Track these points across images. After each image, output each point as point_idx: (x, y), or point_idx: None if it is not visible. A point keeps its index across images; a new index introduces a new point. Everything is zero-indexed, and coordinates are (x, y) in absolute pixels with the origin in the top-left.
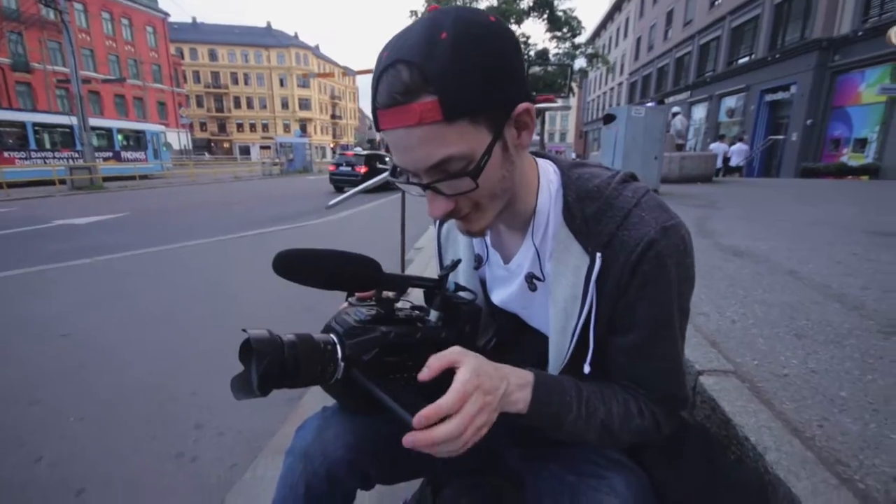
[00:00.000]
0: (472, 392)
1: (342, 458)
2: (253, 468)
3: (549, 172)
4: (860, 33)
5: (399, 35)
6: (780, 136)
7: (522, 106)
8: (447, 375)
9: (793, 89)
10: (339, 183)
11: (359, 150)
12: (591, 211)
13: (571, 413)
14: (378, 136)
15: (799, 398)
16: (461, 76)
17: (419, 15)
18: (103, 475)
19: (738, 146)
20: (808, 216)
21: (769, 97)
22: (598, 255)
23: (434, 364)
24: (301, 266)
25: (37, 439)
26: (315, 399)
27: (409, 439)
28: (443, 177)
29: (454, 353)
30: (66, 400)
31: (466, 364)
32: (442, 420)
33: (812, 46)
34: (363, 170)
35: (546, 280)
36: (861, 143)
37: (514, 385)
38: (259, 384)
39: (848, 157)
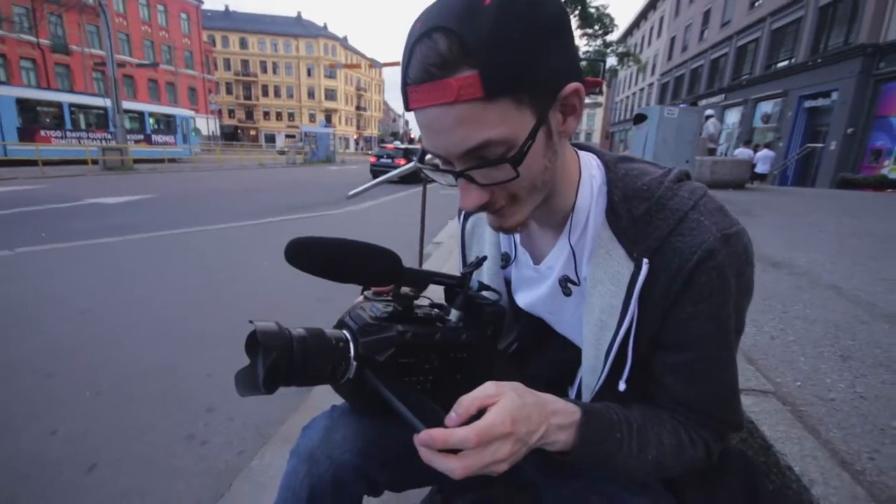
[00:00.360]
0: (499, 439)
1: (349, 463)
2: (261, 455)
3: (591, 167)
4: None
5: (436, 2)
6: (819, 145)
7: (572, 86)
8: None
9: (834, 96)
10: (379, 174)
11: (398, 143)
12: (639, 212)
13: (622, 452)
14: (402, 129)
15: (847, 426)
16: (506, 48)
17: None
18: (115, 452)
19: (764, 153)
20: (849, 228)
21: (808, 103)
22: (645, 261)
23: (466, 407)
24: (315, 255)
25: (52, 412)
26: (327, 391)
27: (420, 450)
28: (479, 163)
29: (490, 394)
30: (83, 375)
31: (503, 403)
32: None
33: (856, 52)
34: (402, 162)
35: (582, 285)
36: None
37: (555, 426)
38: (265, 381)
39: (889, 170)
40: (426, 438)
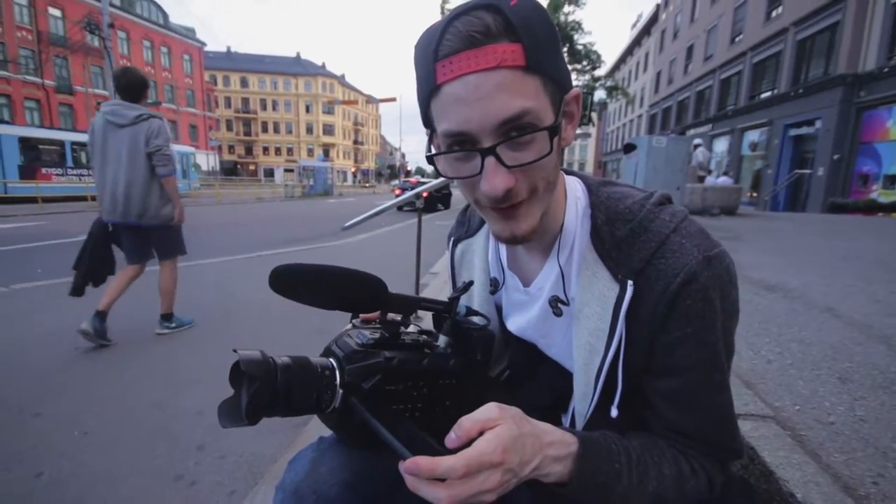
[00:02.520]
0: (490, 467)
1: (336, 498)
2: (252, 496)
3: (576, 189)
4: (886, 70)
5: None
6: (807, 171)
7: (574, 92)
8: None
9: (818, 124)
10: (404, 204)
11: (419, 177)
12: (622, 234)
13: (621, 483)
14: (398, 161)
15: (849, 450)
16: (541, 32)
17: None
18: (102, 495)
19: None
20: (841, 252)
21: (793, 131)
22: (630, 283)
23: (467, 430)
24: (300, 283)
25: (38, 453)
26: (320, 425)
27: (406, 477)
28: (510, 137)
29: (492, 417)
30: (72, 414)
31: (498, 431)
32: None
33: (836, 82)
34: (426, 195)
35: (571, 305)
36: (891, 180)
37: (551, 458)
38: (247, 411)
39: (878, 194)
40: (412, 466)
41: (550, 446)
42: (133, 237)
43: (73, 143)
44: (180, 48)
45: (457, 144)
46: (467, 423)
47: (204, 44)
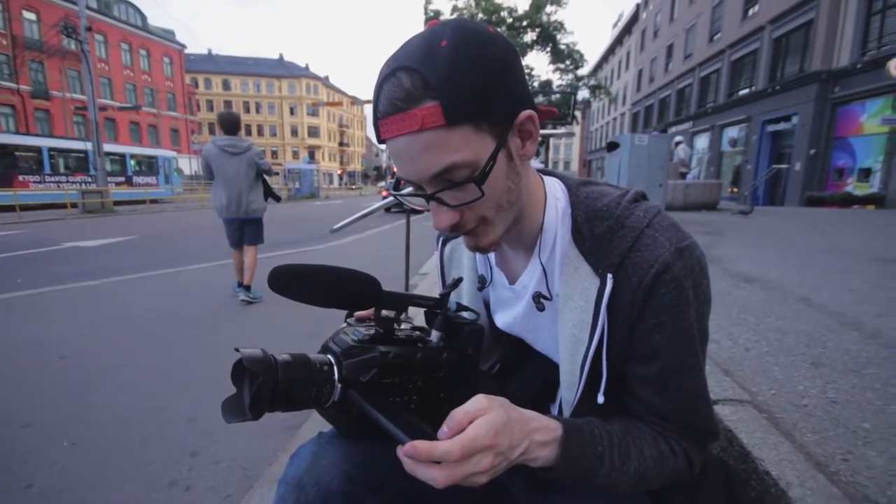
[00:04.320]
0: (480, 451)
1: (337, 489)
2: (247, 500)
3: (555, 190)
4: (859, 66)
5: (400, 47)
6: (784, 166)
7: (525, 113)
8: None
9: (794, 120)
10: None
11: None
12: (600, 231)
13: (604, 465)
14: (384, 163)
15: (820, 430)
16: (462, 81)
17: None
18: (94, 503)
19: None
20: (816, 244)
21: (771, 127)
22: (609, 276)
23: (458, 421)
24: (297, 282)
25: (28, 465)
26: (315, 427)
27: (403, 459)
28: (447, 186)
29: (481, 407)
30: (61, 423)
31: (488, 417)
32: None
33: (811, 78)
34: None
35: (554, 300)
36: (865, 173)
37: (537, 443)
38: (251, 406)
39: (853, 187)
40: (411, 450)
41: (537, 431)
42: (245, 227)
43: (51, 150)
44: (160, 51)
45: (410, 185)
46: (458, 415)
47: (184, 46)
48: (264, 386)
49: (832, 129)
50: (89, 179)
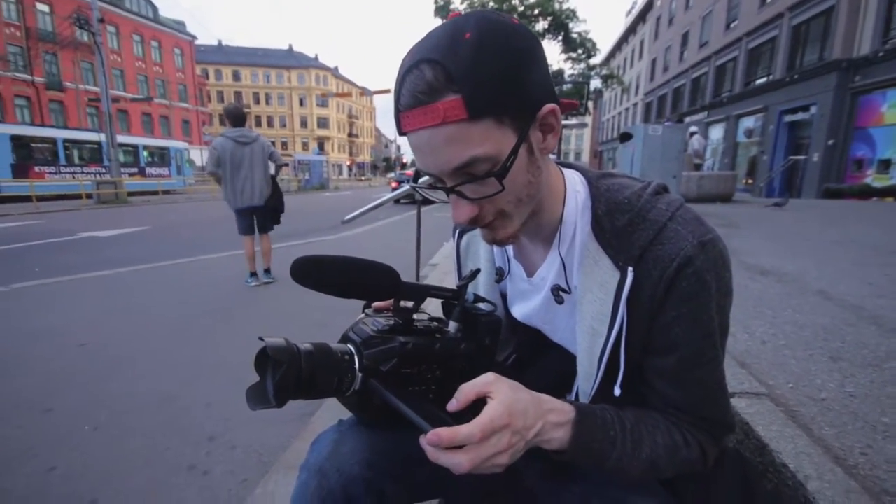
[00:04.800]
0: (500, 430)
1: (358, 475)
2: (264, 484)
3: (575, 182)
4: (881, 54)
5: (422, 38)
6: (802, 157)
7: (548, 107)
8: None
9: (813, 110)
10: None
11: (415, 170)
12: (621, 223)
13: (615, 450)
14: (393, 154)
15: (839, 424)
16: (485, 74)
17: None
18: (115, 487)
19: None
20: (834, 236)
21: (788, 118)
22: (630, 269)
23: (466, 393)
24: (318, 272)
25: (50, 449)
26: (329, 414)
27: (426, 448)
28: (467, 179)
29: (488, 381)
30: (82, 409)
31: (500, 397)
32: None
33: (831, 67)
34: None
35: (573, 293)
36: (885, 165)
37: (552, 424)
38: (275, 394)
39: (872, 179)
40: (434, 438)
41: (550, 412)
42: (259, 214)
43: (66, 141)
44: (171, 42)
45: (429, 178)
46: (466, 388)
47: (195, 37)
48: (288, 374)
49: (852, 119)
50: (103, 170)
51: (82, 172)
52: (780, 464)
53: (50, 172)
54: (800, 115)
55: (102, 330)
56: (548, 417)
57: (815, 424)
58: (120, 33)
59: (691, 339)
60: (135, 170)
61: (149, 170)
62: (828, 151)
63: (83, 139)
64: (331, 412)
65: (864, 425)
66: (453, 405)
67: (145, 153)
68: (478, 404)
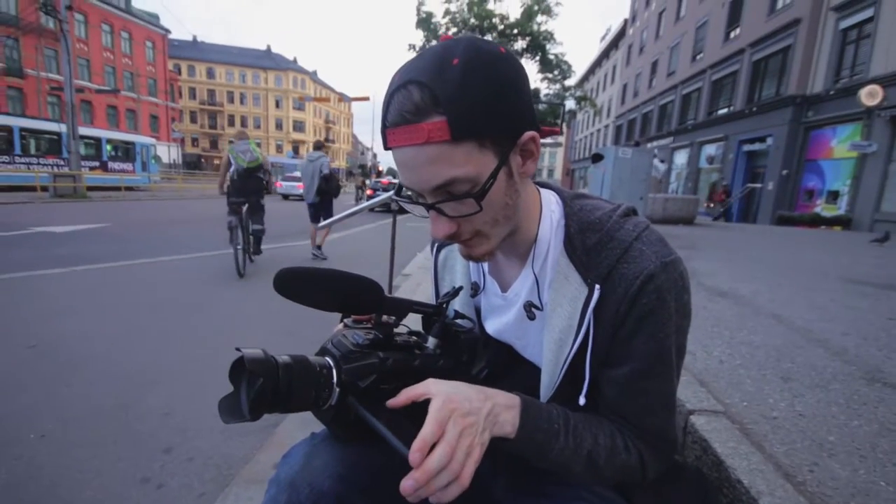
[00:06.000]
0: (448, 417)
1: (329, 490)
2: (223, 498)
3: (551, 202)
4: (832, 92)
5: (412, 59)
6: (758, 185)
7: (529, 134)
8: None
9: (769, 141)
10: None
11: (390, 178)
12: (591, 242)
13: (559, 441)
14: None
15: (788, 441)
16: (470, 100)
17: (417, 49)
18: (62, 499)
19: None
20: (786, 261)
21: (746, 147)
22: (598, 286)
23: (404, 395)
24: (302, 285)
25: None
26: (293, 426)
27: (407, 484)
28: (447, 198)
29: (426, 384)
30: (28, 415)
31: (437, 392)
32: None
33: (787, 102)
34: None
35: (544, 310)
36: (833, 195)
37: (502, 406)
38: (251, 407)
39: (822, 208)
40: (416, 455)
41: (497, 396)
42: (318, 208)
43: (22, 130)
44: (142, 34)
45: (411, 193)
46: (406, 391)
47: (168, 31)
48: (265, 388)
49: (804, 151)
50: (62, 163)
51: (39, 164)
52: (735, 480)
53: (3, 162)
54: (757, 146)
55: (54, 331)
56: (496, 399)
57: (768, 442)
58: (88, 22)
59: (645, 353)
60: (96, 163)
61: (111, 164)
62: (782, 181)
63: (42, 129)
64: (295, 424)
65: (811, 443)
66: (392, 402)
67: (108, 147)
68: (425, 410)
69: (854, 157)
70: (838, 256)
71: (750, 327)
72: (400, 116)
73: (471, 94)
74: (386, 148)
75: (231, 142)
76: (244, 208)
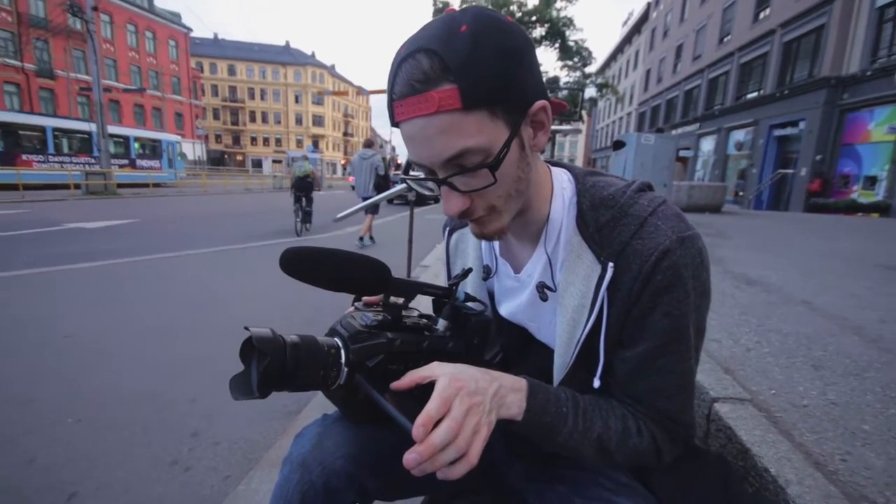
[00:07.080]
0: (455, 395)
1: (341, 470)
2: (248, 481)
3: (563, 180)
4: (869, 73)
5: (418, 30)
6: (790, 171)
7: (539, 103)
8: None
9: (801, 125)
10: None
11: (413, 172)
12: (605, 219)
13: (567, 424)
14: (388, 154)
15: (819, 430)
16: (480, 66)
17: None
18: (96, 480)
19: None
20: (819, 249)
21: (777, 132)
22: (611, 264)
23: (408, 377)
24: (308, 264)
25: (31, 440)
26: (314, 412)
27: (410, 457)
28: (459, 171)
29: (432, 367)
30: (64, 401)
31: (443, 374)
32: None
33: (820, 84)
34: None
35: (557, 290)
36: (871, 181)
37: (507, 388)
38: (259, 385)
39: (858, 195)
40: (419, 429)
41: (503, 377)
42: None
43: (55, 130)
44: (165, 33)
45: (420, 169)
46: (411, 373)
47: (190, 29)
48: (273, 366)
49: (839, 135)
50: (93, 161)
51: (71, 162)
52: (762, 468)
53: (38, 161)
54: (789, 130)
55: (88, 322)
56: (502, 381)
57: (797, 430)
58: (114, 22)
59: (660, 330)
60: (125, 161)
61: (139, 162)
62: (815, 166)
63: (73, 128)
64: (317, 410)
65: (844, 432)
66: (396, 383)
67: (136, 145)
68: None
69: (893, 140)
70: (876, 244)
71: (779, 315)
72: (408, 86)
73: (481, 61)
74: (393, 123)
75: (294, 159)
76: (302, 198)
